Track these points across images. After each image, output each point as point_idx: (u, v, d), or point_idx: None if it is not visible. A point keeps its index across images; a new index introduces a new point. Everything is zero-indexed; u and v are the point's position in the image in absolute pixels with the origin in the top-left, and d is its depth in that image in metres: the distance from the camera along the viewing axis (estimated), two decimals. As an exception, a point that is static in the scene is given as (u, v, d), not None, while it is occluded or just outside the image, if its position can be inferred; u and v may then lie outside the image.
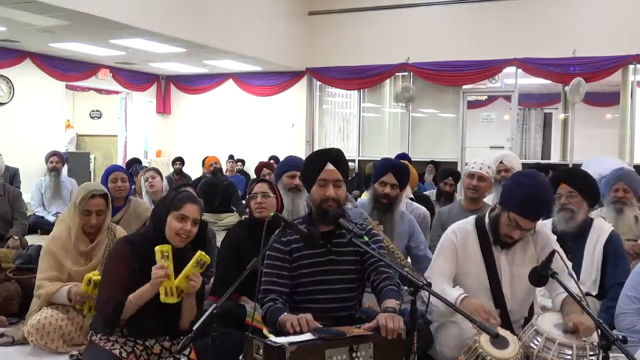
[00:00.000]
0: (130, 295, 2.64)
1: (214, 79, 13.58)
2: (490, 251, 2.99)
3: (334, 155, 2.84)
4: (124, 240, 2.87)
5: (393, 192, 3.86)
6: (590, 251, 3.61)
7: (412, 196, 5.59)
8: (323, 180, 2.77)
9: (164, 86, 14.21)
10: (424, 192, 7.18)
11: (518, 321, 3.01)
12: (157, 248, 2.64)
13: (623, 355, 2.11)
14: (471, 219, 3.10)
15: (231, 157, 11.44)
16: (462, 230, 3.06)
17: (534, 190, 2.79)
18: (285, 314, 2.53)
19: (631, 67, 10.37)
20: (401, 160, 5.44)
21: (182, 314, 2.75)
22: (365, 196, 5.33)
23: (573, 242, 3.64)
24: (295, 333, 2.39)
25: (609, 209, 4.21)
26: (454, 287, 2.96)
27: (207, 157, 9.05)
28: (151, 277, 2.62)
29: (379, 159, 4.40)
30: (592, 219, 3.67)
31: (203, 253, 2.69)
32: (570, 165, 10.41)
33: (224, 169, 10.17)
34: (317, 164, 2.82)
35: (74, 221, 3.53)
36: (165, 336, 2.82)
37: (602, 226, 3.65)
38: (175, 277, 2.66)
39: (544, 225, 3.80)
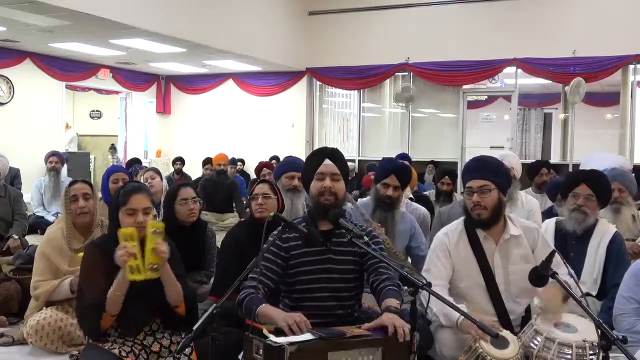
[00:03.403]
0: (108, 292, 2.63)
1: (214, 79, 13.59)
2: (482, 250, 3.01)
3: (331, 151, 2.86)
4: (91, 245, 2.85)
5: (395, 194, 3.89)
6: (593, 251, 3.61)
7: (411, 196, 5.60)
8: (320, 173, 2.78)
9: (164, 86, 14.22)
10: (424, 192, 7.18)
11: (516, 319, 3.02)
12: (120, 231, 2.64)
13: (623, 355, 2.11)
14: (460, 220, 3.14)
15: (233, 161, 11.07)
16: (452, 232, 3.10)
17: (475, 157, 3.17)
18: (265, 304, 2.51)
19: (631, 67, 10.38)
20: (410, 159, 5.45)
21: (166, 290, 2.73)
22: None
23: (576, 241, 3.65)
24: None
25: (606, 209, 4.20)
26: (450, 288, 3.00)
27: (216, 155, 8.94)
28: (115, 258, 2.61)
29: (379, 159, 4.41)
30: (597, 220, 3.67)
31: (152, 221, 2.70)
32: (571, 165, 10.42)
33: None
34: (315, 160, 2.83)
35: (65, 219, 3.54)
36: (164, 334, 2.82)
37: (606, 227, 3.65)
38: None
39: (545, 225, 3.84)
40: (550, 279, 2.88)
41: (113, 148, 14.02)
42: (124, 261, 2.58)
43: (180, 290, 2.77)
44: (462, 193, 3.16)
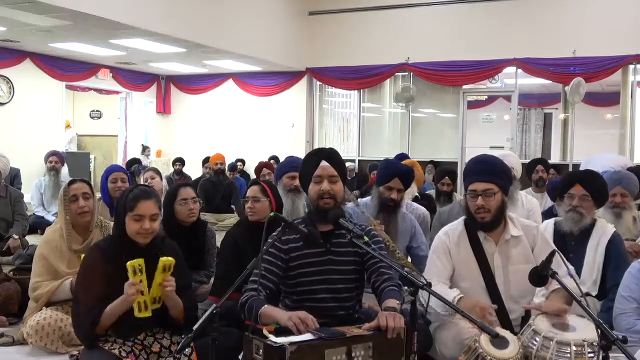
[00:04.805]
0: (108, 307, 2.63)
1: (214, 79, 13.59)
2: (482, 250, 3.02)
3: (328, 153, 2.85)
4: (94, 248, 2.83)
5: (399, 196, 3.90)
6: (592, 251, 3.61)
7: (417, 194, 5.59)
8: (318, 176, 2.77)
9: (164, 86, 14.22)
10: (426, 192, 7.17)
11: (516, 319, 3.02)
12: (128, 264, 2.60)
13: (623, 355, 2.11)
14: (461, 220, 3.13)
15: (232, 167, 10.64)
16: (453, 231, 3.10)
17: (475, 157, 3.13)
18: (266, 305, 2.52)
19: (631, 67, 10.38)
20: (407, 160, 5.45)
21: (169, 310, 2.75)
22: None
23: (575, 241, 3.65)
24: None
25: (607, 212, 4.19)
26: (450, 288, 2.99)
27: (213, 155, 8.96)
28: (124, 292, 2.60)
29: (379, 159, 4.40)
30: (595, 220, 3.67)
31: (164, 258, 2.66)
32: (571, 165, 10.43)
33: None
34: (312, 162, 2.82)
35: (63, 219, 3.53)
36: (164, 334, 2.82)
37: (605, 227, 3.65)
38: (149, 285, 2.66)
39: (544, 226, 3.84)
40: (550, 290, 2.90)
41: (146, 148, 13.82)
42: (134, 299, 2.59)
43: (182, 308, 2.77)
44: (464, 195, 3.14)
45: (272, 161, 10.07)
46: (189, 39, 9.68)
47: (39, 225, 7.28)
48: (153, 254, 2.70)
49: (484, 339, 2.59)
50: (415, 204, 4.62)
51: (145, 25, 8.79)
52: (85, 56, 11.43)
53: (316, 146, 12.62)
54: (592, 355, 2.51)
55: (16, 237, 5.66)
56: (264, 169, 7.25)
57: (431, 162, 11.25)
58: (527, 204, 4.76)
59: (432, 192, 6.80)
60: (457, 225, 3.12)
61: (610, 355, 2.17)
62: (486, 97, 13.71)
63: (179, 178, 9.95)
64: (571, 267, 2.94)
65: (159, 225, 2.84)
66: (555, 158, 12.70)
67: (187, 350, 2.67)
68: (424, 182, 10.40)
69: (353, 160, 12.08)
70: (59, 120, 12.02)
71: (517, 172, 4.72)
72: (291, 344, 2.21)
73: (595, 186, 3.64)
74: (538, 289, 3.03)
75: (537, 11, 10.60)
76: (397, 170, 3.95)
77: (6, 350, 3.44)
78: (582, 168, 6.01)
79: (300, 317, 2.40)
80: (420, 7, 11.49)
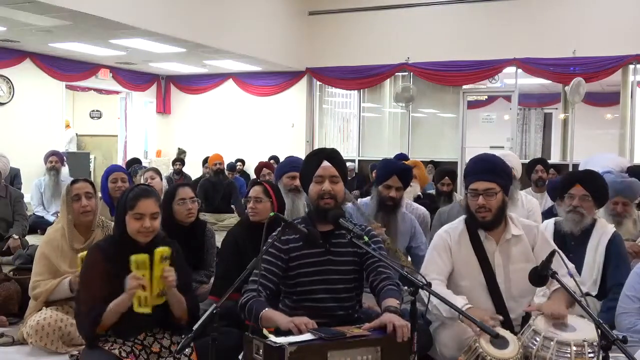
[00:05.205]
0: (111, 303, 2.62)
1: (214, 79, 13.59)
2: (483, 249, 3.02)
3: (330, 153, 2.85)
4: (94, 248, 2.83)
5: (398, 195, 3.90)
6: (592, 251, 3.61)
7: (420, 194, 5.59)
8: (319, 176, 2.77)
9: (164, 86, 14.22)
10: (427, 192, 7.18)
11: (517, 319, 3.02)
12: (132, 257, 2.59)
13: (623, 355, 2.11)
14: (461, 218, 3.14)
15: (232, 167, 10.75)
16: (454, 229, 3.11)
17: (476, 156, 3.14)
18: (268, 309, 2.52)
19: (631, 67, 10.37)
20: (410, 160, 5.44)
21: (171, 308, 2.75)
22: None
23: (575, 241, 3.65)
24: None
25: (608, 218, 4.19)
26: (448, 285, 3.01)
27: (211, 155, 8.97)
28: (125, 286, 2.59)
29: (379, 159, 4.40)
30: (595, 220, 3.67)
31: (160, 249, 2.66)
32: (571, 166, 10.42)
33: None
34: (314, 162, 2.82)
35: (65, 218, 3.53)
36: (164, 334, 2.82)
37: (605, 227, 3.65)
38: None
39: (544, 226, 3.84)
40: (551, 290, 2.91)
41: (183, 152, 13.73)
42: (134, 293, 2.58)
43: (185, 307, 2.77)
44: (465, 195, 3.13)
45: (272, 161, 10.06)
46: (189, 39, 9.68)
47: (39, 225, 7.28)
48: (153, 253, 2.70)
49: (484, 339, 2.60)
50: (415, 204, 4.62)
51: (145, 25, 8.79)
52: (85, 56, 11.43)
53: (316, 146, 12.62)
54: (592, 355, 2.51)
55: (16, 237, 5.66)
56: (264, 169, 7.24)
57: (431, 162, 11.24)
58: (527, 204, 4.76)
59: (432, 192, 6.82)
60: (457, 224, 3.13)
61: (610, 355, 2.17)
62: (486, 97, 13.70)
63: (178, 178, 9.96)
64: (571, 266, 2.95)
65: (159, 225, 2.84)
66: (555, 158, 12.69)
67: (187, 350, 2.66)
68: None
69: (353, 160, 12.08)
70: (59, 120, 12.01)
71: (517, 172, 4.72)
72: (291, 344, 2.21)
73: (596, 186, 3.64)
74: (539, 288, 3.03)
75: (537, 11, 10.60)
76: (395, 169, 3.95)
77: (6, 350, 3.44)
78: (581, 168, 6.02)
79: (301, 319, 2.41)
80: (420, 7, 11.49)
